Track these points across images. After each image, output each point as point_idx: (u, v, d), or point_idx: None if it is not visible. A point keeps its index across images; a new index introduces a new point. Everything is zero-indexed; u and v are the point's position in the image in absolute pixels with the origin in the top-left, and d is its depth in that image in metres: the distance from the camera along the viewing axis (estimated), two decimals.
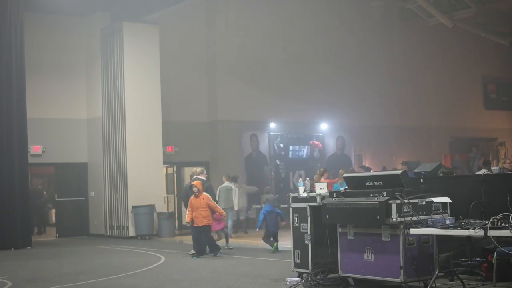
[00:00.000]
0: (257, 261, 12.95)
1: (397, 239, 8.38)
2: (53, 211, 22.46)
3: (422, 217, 8.30)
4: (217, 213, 13.96)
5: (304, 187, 10.10)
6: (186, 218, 13.99)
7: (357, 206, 8.65)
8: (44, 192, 24.32)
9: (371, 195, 8.60)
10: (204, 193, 13.84)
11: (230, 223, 17.88)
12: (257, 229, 14.84)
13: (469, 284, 8.71)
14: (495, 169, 11.72)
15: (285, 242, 14.53)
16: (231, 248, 14.63)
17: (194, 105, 21.93)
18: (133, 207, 19.02)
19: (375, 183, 8.79)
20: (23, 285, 10.84)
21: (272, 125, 23.26)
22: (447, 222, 7.98)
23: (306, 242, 9.79)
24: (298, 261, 9.95)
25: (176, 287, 10.19)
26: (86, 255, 15.28)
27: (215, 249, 13.77)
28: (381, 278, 8.69)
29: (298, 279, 9.78)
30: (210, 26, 22.47)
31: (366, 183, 8.90)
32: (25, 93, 17.76)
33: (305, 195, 9.92)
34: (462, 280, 8.51)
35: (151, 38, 19.81)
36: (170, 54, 20.90)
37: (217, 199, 18.37)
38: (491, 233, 7.99)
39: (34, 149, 19.64)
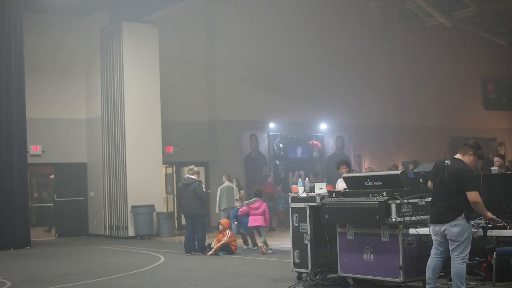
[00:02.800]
0: (257, 261, 12.94)
1: (396, 239, 8.38)
2: None
3: (421, 217, 8.30)
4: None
5: (303, 187, 10.10)
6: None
7: (357, 206, 8.65)
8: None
9: (370, 195, 8.60)
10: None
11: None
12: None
13: (469, 284, 8.70)
14: (494, 169, 11.70)
15: (285, 242, 14.56)
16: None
17: (193, 105, 21.93)
18: (133, 207, 19.01)
19: (375, 183, 8.79)
20: (22, 285, 10.83)
21: (272, 125, 23.26)
22: None
23: (306, 242, 9.79)
24: (297, 261, 9.94)
25: (175, 287, 10.19)
26: (86, 255, 15.27)
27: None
28: (380, 278, 8.69)
29: None
30: (209, 26, 22.48)
31: (366, 183, 8.90)
32: (24, 93, 17.74)
33: (304, 195, 9.91)
34: None
35: (150, 38, 19.80)
36: (170, 54, 20.90)
37: (218, 199, 18.41)
38: (491, 233, 8.00)
39: (34, 149, 19.64)
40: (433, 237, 7.71)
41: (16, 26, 17.59)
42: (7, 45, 17.45)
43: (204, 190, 14.98)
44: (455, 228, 7.43)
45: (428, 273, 7.71)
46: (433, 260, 7.71)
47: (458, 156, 7.74)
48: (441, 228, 7.54)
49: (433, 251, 7.73)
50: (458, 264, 7.47)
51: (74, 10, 19.96)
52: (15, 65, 17.54)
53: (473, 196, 7.42)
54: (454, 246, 7.47)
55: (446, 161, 7.71)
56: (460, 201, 7.45)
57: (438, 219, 7.59)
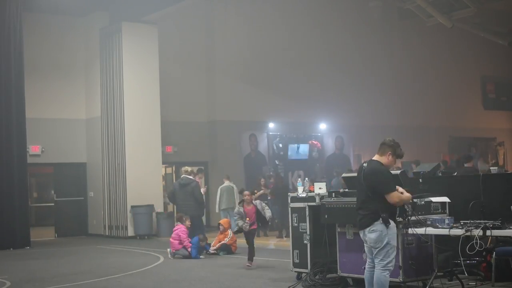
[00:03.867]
0: (257, 261, 12.93)
1: None
2: None
3: (421, 217, 8.30)
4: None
5: (303, 187, 10.11)
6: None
7: None
8: None
9: None
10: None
11: (233, 223, 17.83)
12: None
13: (468, 284, 8.72)
14: (494, 169, 11.70)
15: (284, 242, 14.57)
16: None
17: (193, 105, 21.93)
18: (132, 207, 19.00)
19: None
20: (22, 285, 10.84)
21: (271, 125, 23.25)
22: (446, 222, 7.99)
23: (305, 242, 9.79)
24: (297, 261, 9.95)
25: (175, 287, 10.19)
26: (85, 255, 15.28)
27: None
28: None
29: None
30: (209, 26, 22.47)
31: None
32: (24, 93, 17.74)
33: (304, 195, 9.91)
34: (461, 280, 8.52)
35: (150, 38, 19.80)
36: (169, 54, 20.90)
37: (218, 199, 18.40)
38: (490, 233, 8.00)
39: (33, 149, 19.63)
40: (364, 244, 7.38)
41: (16, 26, 17.59)
42: (7, 45, 17.44)
43: (201, 192, 15.02)
44: (372, 234, 7.07)
45: (366, 285, 7.38)
46: (366, 272, 7.39)
47: (376, 157, 7.29)
48: (362, 234, 7.24)
49: (366, 261, 7.43)
50: (379, 272, 7.06)
51: (74, 10, 19.96)
52: (15, 65, 17.53)
53: (391, 198, 7.04)
54: (375, 253, 7.12)
55: (364, 164, 7.28)
56: (376, 205, 7.07)
57: (360, 225, 7.26)
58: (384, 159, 7.25)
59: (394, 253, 7.12)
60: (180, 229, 13.92)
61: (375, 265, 7.13)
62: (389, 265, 7.07)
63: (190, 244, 13.71)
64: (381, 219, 7.02)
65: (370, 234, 7.08)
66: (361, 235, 7.29)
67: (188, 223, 14.10)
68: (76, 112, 20.69)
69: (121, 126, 19.35)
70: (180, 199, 14.83)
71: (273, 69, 23.10)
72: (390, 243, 7.06)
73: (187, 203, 14.62)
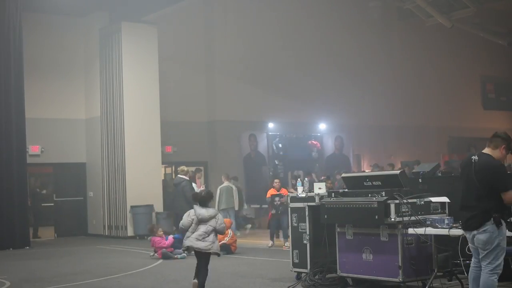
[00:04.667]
0: (256, 261, 12.95)
1: (395, 239, 8.39)
2: None
3: (420, 217, 8.31)
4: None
5: (302, 187, 10.11)
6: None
7: (356, 206, 8.65)
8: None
9: (369, 195, 8.60)
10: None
11: (233, 223, 17.84)
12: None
13: (468, 284, 8.70)
14: None
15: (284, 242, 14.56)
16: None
17: (192, 105, 21.93)
18: (132, 207, 19.00)
19: (374, 183, 8.80)
20: (22, 285, 10.84)
21: (271, 125, 23.25)
22: (446, 222, 7.99)
23: (305, 242, 9.80)
24: (296, 261, 9.95)
25: (175, 287, 10.19)
26: (85, 255, 15.28)
27: None
28: (379, 278, 8.70)
29: None
30: (208, 26, 22.48)
31: (365, 183, 8.91)
32: (23, 93, 17.72)
33: (303, 195, 9.92)
34: (461, 280, 8.52)
35: (149, 38, 19.80)
36: (169, 54, 20.90)
37: (217, 199, 18.40)
38: None
39: (33, 149, 19.63)
40: (470, 245, 6.87)
41: (15, 26, 17.57)
42: (6, 45, 17.43)
43: (191, 190, 14.92)
44: (482, 235, 6.53)
45: (470, 286, 6.95)
46: (471, 271, 6.86)
47: (487, 150, 6.72)
48: (470, 235, 6.70)
49: (472, 260, 6.90)
50: (486, 276, 6.54)
51: (74, 10, 19.95)
52: (15, 65, 17.52)
53: (509, 197, 6.47)
54: (483, 255, 6.58)
55: (473, 157, 6.68)
56: (488, 203, 6.52)
57: (466, 226, 6.73)
58: (496, 153, 6.69)
59: (504, 255, 6.61)
60: (155, 240, 13.83)
61: (482, 268, 6.62)
62: (497, 268, 6.56)
63: (167, 242, 13.70)
64: (492, 219, 6.49)
65: (479, 235, 6.55)
66: (468, 235, 6.74)
67: (160, 233, 13.95)
68: (75, 112, 20.69)
69: (121, 126, 19.35)
70: (174, 199, 14.94)
71: (273, 69, 23.10)
72: (500, 245, 6.54)
73: (178, 203, 14.70)
